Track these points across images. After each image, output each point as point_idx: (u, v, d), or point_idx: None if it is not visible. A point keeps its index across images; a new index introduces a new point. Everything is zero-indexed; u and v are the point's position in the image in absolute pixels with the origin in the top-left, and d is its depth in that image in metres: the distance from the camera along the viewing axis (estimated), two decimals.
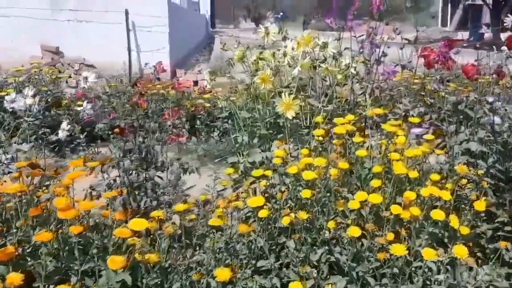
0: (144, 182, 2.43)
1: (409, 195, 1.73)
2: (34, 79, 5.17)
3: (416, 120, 2.18)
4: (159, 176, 2.49)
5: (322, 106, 2.14)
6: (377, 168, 1.81)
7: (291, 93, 2.18)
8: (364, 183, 1.94)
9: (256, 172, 1.97)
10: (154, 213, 1.95)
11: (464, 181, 1.96)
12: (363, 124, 2.11)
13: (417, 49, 2.92)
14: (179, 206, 2.01)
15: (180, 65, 9.45)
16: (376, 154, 2.01)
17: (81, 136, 2.83)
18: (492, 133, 2.21)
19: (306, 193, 1.72)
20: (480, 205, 1.79)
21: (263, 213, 1.77)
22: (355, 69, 2.53)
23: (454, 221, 1.70)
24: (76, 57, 8.48)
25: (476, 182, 1.97)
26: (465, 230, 1.68)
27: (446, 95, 2.59)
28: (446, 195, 1.71)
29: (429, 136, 2.02)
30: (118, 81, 6.50)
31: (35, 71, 5.80)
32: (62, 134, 2.68)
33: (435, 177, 1.83)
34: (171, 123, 2.58)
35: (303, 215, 1.69)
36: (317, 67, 2.24)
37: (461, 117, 2.60)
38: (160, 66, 2.92)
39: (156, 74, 2.64)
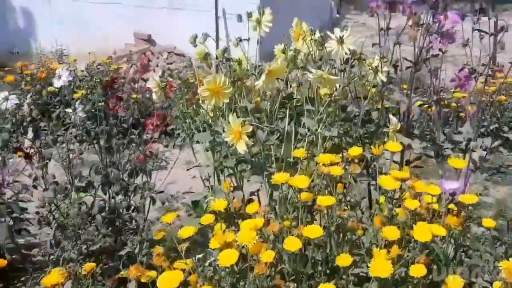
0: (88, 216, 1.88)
1: None
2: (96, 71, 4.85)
3: (459, 163, 1.33)
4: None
5: (306, 132, 1.39)
6: (342, 260, 1.04)
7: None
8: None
9: (184, 232, 1.30)
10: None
11: None
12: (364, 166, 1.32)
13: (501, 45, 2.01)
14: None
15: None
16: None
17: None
18: None
19: None
20: None
21: None
22: (388, 74, 1.72)
23: None
24: (168, 46, 8.25)
25: None
26: None
27: None
28: None
29: (465, 198, 1.18)
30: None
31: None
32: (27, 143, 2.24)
33: (456, 283, 1.02)
34: (151, 135, 1.99)
35: None
36: (301, 73, 1.47)
37: None
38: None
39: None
